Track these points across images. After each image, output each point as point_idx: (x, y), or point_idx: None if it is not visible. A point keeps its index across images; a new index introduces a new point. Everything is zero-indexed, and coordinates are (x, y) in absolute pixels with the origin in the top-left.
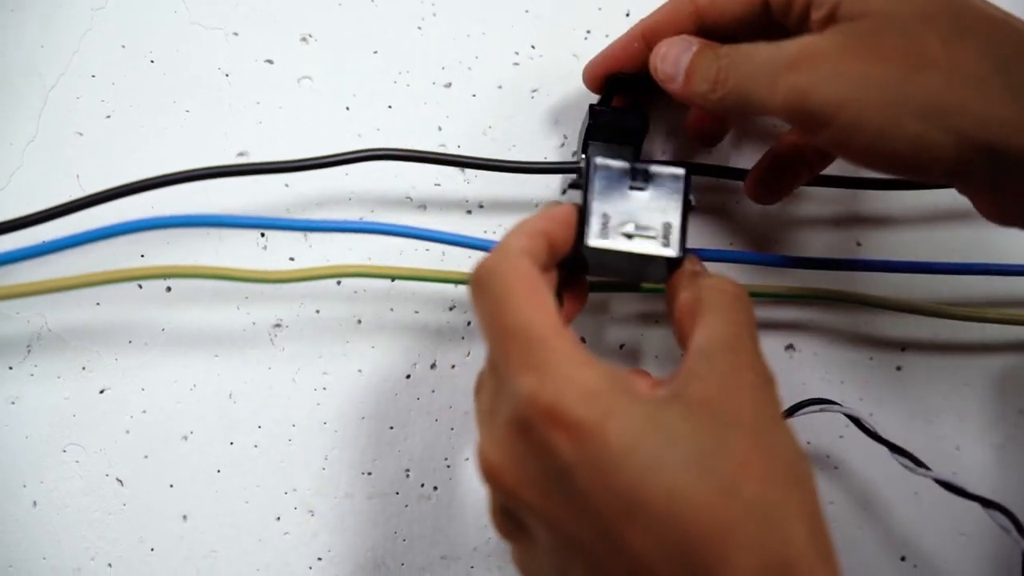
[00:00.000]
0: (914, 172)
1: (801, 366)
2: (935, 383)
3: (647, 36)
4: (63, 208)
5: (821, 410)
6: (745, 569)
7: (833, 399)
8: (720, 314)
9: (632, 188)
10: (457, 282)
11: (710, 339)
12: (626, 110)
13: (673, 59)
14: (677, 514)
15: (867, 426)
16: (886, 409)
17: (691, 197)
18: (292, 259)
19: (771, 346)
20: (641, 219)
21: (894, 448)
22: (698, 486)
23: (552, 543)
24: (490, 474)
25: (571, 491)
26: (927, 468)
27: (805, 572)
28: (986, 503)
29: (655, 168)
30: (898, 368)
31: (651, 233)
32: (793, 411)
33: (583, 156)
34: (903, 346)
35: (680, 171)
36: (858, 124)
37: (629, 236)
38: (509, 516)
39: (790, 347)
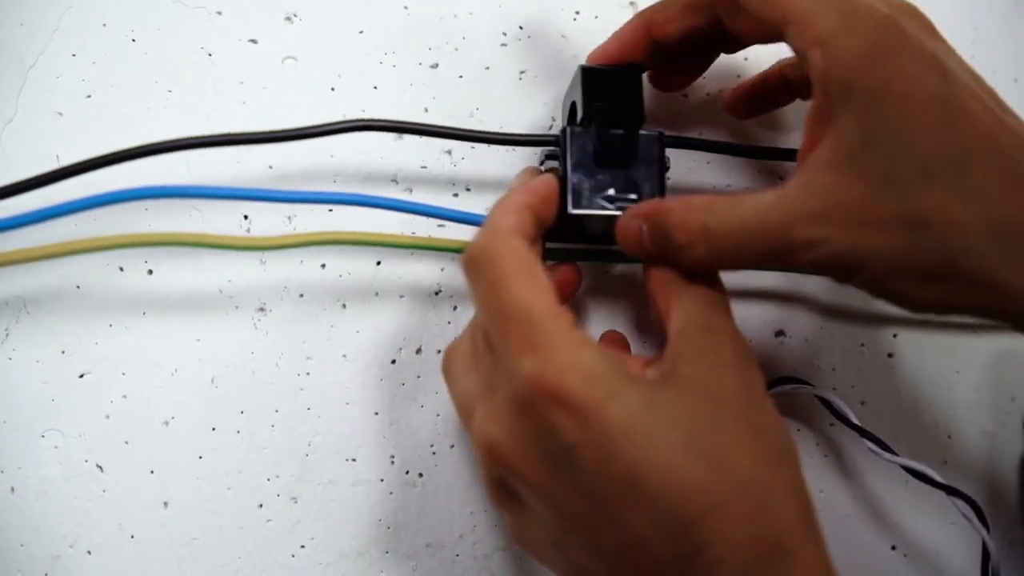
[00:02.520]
0: (939, 313)
1: (791, 353)
2: (926, 370)
3: (649, 19)
4: (40, 179)
5: (793, 389)
6: (736, 544)
7: (824, 386)
8: (693, 292)
9: (609, 154)
10: (445, 250)
11: (688, 319)
12: (619, 68)
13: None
14: (672, 492)
15: (837, 409)
16: (878, 396)
17: (667, 158)
18: None
19: (761, 333)
20: (620, 183)
21: (862, 432)
22: (692, 465)
23: (549, 517)
24: (490, 450)
25: (571, 469)
26: (894, 453)
27: (793, 545)
28: (950, 491)
29: (630, 132)
30: (889, 355)
31: (631, 196)
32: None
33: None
34: (895, 333)
35: (654, 133)
36: (879, 280)
37: (609, 201)
38: (505, 488)
39: (780, 333)
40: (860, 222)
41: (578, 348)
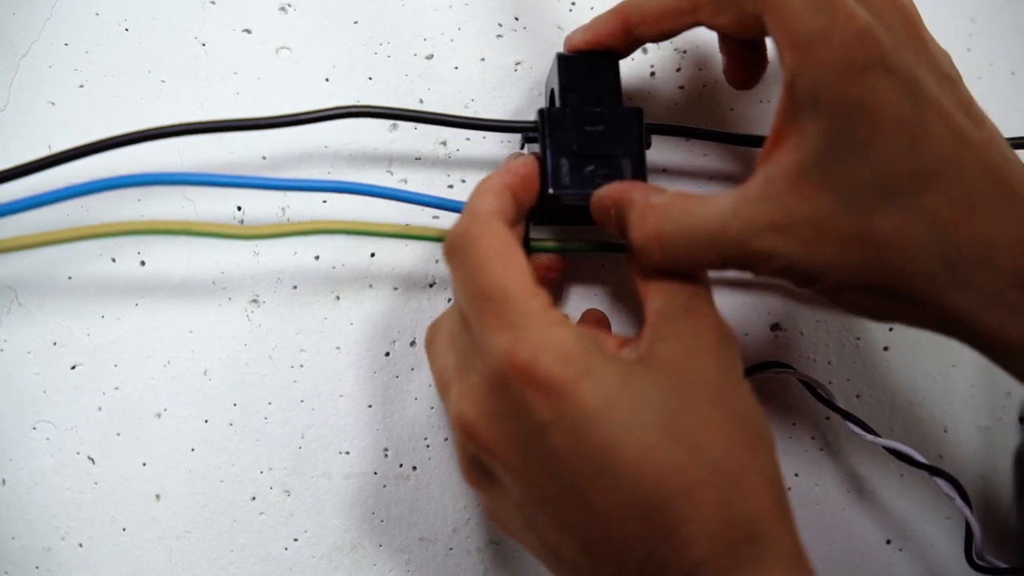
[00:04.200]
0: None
1: (787, 346)
2: (922, 364)
3: (628, 18)
4: (30, 166)
5: (776, 373)
6: (708, 526)
7: (819, 379)
8: (674, 273)
9: (588, 132)
10: (439, 240)
11: (669, 301)
12: (596, 54)
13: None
14: (644, 474)
15: (820, 392)
16: (873, 390)
17: (647, 135)
18: None
19: (757, 326)
20: (600, 161)
21: (845, 414)
22: (666, 447)
23: (521, 495)
24: (465, 428)
25: (543, 448)
26: (876, 434)
27: (765, 529)
28: (933, 471)
29: (608, 110)
30: (885, 348)
31: (611, 173)
32: (749, 373)
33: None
34: (890, 327)
35: (634, 109)
36: (834, 291)
37: (590, 179)
38: (479, 466)
39: (776, 326)
40: (818, 237)
41: (552, 327)
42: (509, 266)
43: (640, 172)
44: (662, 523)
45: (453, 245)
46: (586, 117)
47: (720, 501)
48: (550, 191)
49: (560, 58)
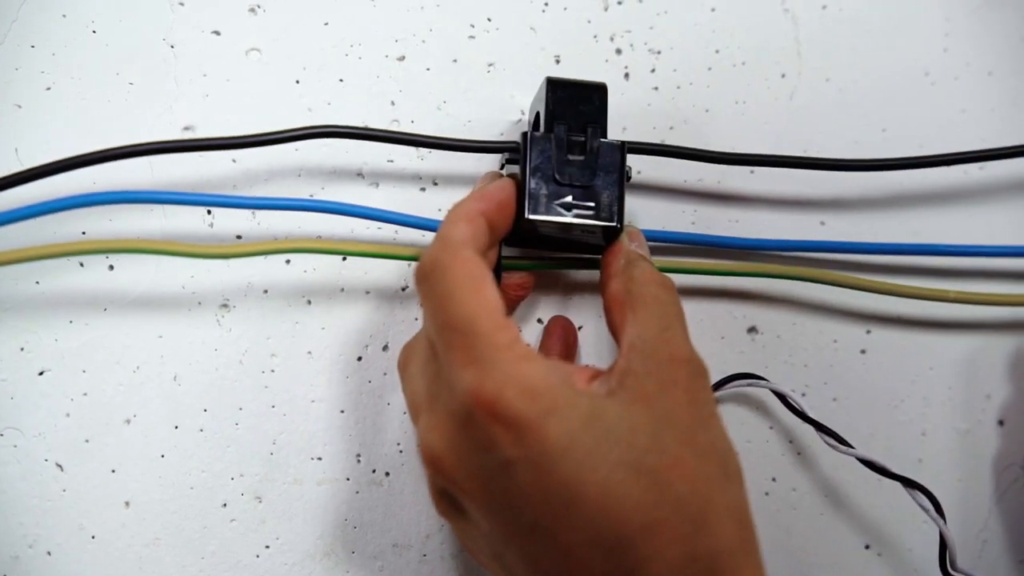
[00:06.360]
0: None
1: (764, 349)
2: (900, 367)
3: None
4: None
5: (748, 385)
6: (671, 563)
7: (796, 383)
8: (650, 308)
9: (570, 161)
10: (410, 259)
11: (642, 334)
12: (587, 83)
13: None
14: (609, 511)
15: (793, 403)
16: (851, 393)
17: (628, 168)
18: (239, 237)
19: (734, 329)
20: (579, 191)
21: (818, 426)
22: (631, 484)
23: (489, 529)
24: (432, 461)
25: (509, 484)
26: (850, 446)
27: (729, 566)
28: (907, 483)
29: (592, 140)
30: (862, 352)
31: (589, 204)
32: (720, 385)
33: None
34: (868, 329)
35: (617, 142)
36: None
37: (567, 208)
38: (448, 498)
39: (752, 330)
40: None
41: (519, 362)
42: (478, 298)
43: (618, 207)
44: (627, 560)
45: (424, 273)
46: (569, 145)
47: (683, 538)
48: (527, 216)
49: (549, 82)
